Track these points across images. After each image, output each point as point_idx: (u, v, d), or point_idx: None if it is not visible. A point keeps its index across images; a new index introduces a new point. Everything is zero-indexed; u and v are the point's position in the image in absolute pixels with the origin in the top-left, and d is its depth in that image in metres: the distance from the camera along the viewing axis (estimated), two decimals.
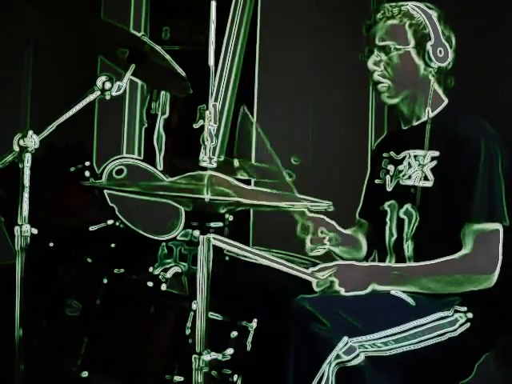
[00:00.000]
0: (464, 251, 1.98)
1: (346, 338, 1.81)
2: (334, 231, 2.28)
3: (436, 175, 2.04)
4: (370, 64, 2.12)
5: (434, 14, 2.10)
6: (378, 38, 2.11)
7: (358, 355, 1.81)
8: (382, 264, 2.11)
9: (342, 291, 1.94)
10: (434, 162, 2.05)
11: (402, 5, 2.11)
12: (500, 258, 1.97)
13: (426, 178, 2.05)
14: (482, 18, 2.82)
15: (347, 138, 3.69)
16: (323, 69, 3.76)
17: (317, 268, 2.00)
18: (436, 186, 2.04)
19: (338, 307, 1.87)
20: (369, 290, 1.96)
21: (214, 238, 1.69)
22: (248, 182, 2.81)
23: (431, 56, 2.06)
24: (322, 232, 2.26)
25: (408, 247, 2.09)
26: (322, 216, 2.28)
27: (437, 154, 2.05)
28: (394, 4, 2.13)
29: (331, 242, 2.29)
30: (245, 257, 1.97)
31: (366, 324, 1.87)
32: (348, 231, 2.37)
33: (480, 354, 2.04)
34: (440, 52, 2.07)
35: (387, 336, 1.88)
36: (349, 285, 1.95)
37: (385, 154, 2.23)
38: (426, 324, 1.94)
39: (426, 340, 1.92)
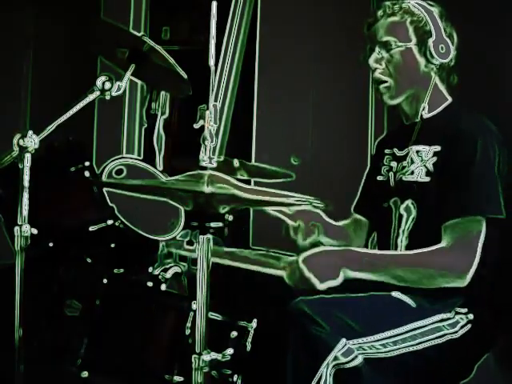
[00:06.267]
0: (441, 245, 1.94)
1: (344, 340, 1.80)
2: (320, 222, 2.28)
3: (434, 171, 2.02)
4: (372, 62, 2.11)
5: (436, 11, 2.09)
6: (379, 35, 2.10)
7: (356, 357, 1.80)
8: (356, 249, 2.05)
9: (315, 280, 1.90)
10: (435, 158, 2.03)
11: (403, 2, 2.10)
12: (477, 257, 1.92)
13: (427, 174, 2.04)
14: (482, 17, 2.82)
15: (347, 138, 3.68)
16: (323, 68, 3.76)
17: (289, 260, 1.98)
18: (432, 181, 2.02)
19: (337, 309, 1.86)
20: (340, 276, 1.91)
21: None
22: (248, 183, 2.80)
23: (433, 53, 2.05)
24: (312, 225, 2.26)
25: (402, 243, 2.08)
26: (305, 208, 2.24)
27: (438, 148, 2.04)
28: (394, 1, 2.12)
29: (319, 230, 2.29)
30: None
31: (364, 326, 1.86)
32: (339, 223, 2.36)
33: (480, 354, 2.03)
34: (442, 48, 2.06)
35: (386, 338, 1.87)
36: (318, 270, 1.90)
37: (387, 151, 2.22)
38: (425, 326, 1.92)
39: (425, 342, 1.90)
